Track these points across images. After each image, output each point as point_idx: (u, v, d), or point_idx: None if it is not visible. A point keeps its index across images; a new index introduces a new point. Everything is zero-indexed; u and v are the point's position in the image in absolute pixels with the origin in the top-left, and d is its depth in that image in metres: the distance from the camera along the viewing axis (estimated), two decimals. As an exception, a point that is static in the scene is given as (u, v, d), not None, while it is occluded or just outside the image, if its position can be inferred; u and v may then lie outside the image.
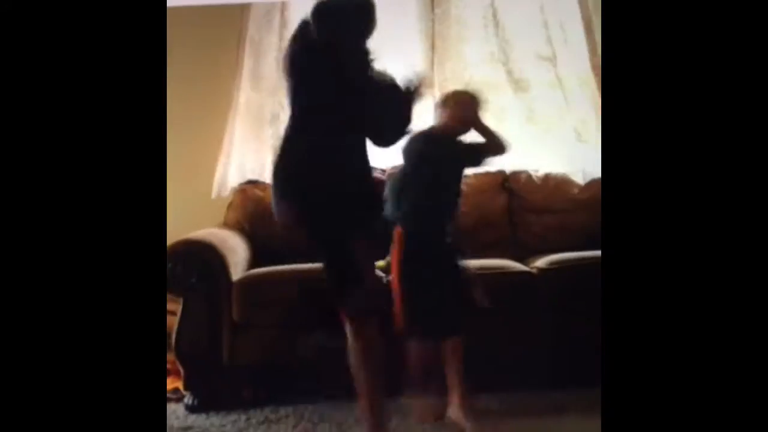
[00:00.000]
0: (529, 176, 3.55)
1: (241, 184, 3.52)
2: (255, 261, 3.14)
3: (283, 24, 3.57)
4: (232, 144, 3.59)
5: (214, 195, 3.56)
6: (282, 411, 2.72)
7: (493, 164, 2.99)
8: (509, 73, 3.64)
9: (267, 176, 3.44)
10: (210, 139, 3.62)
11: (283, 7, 3.60)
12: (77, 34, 1.28)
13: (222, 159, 3.58)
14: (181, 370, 2.86)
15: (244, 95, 3.58)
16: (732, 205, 1.31)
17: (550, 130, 3.66)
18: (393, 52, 3.56)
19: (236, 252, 3.03)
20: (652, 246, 1.33)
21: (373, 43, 2.26)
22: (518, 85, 3.64)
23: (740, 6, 1.28)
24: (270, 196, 2.25)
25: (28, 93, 1.25)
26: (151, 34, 1.33)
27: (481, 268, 2.80)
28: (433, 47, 3.65)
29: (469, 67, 3.65)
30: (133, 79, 1.31)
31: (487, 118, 2.71)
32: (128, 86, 1.30)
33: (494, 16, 3.64)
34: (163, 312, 1.30)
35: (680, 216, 1.33)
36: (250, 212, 3.36)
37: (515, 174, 3.55)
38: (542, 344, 2.82)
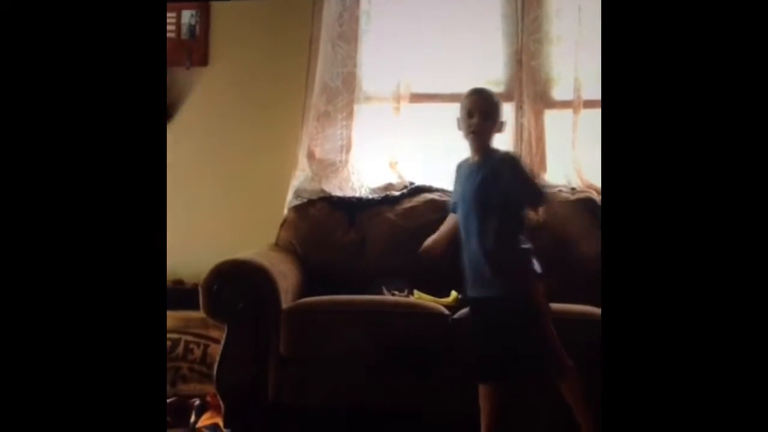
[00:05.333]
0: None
1: (296, 202, 3.15)
2: (306, 288, 2.83)
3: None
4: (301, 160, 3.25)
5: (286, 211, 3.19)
6: (329, 461, 2.43)
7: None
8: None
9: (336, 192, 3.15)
10: (280, 151, 3.35)
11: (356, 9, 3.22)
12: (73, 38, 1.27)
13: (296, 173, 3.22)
14: (222, 405, 2.60)
15: (315, 110, 3.23)
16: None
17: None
18: (472, 60, 3.22)
19: (287, 277, 2.74)
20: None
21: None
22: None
23: (741, 6, 1.24)
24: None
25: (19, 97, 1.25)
26: (150, 38, 1.33)
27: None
28: (520, 61, 3.20)
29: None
30: (133, 83, 1.30)
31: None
32: (127, 90, 1.29)
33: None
34: (162, 330, 1.34)
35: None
36: (304, 233, 3.05)
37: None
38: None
